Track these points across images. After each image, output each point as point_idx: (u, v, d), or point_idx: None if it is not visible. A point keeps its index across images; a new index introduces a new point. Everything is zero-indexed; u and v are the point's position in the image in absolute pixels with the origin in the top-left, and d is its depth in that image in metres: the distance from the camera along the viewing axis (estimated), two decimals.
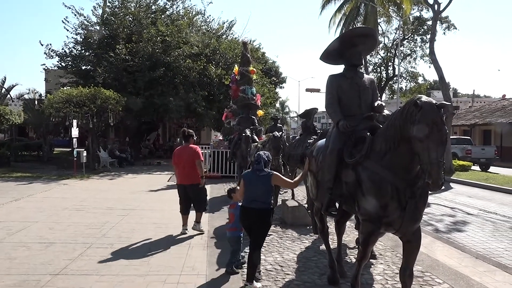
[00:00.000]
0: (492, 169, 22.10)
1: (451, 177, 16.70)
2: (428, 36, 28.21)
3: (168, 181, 14.73)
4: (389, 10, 32.31)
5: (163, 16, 24.43)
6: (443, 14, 28.39)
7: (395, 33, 35.84)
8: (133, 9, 23.43)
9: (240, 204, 5.00)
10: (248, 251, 4.81)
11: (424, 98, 3.54)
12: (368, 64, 36.34)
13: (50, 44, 22.60)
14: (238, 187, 5.30)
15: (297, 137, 11.97)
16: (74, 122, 15.97)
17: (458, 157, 21.46)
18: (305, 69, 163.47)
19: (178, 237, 6.89)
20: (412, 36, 37.20)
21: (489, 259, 6.12)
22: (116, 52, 20.45)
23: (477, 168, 21.66)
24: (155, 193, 11.85)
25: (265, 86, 25.59)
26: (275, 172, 4.88)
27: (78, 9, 22.82)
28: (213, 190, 11.90)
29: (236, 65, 17.49)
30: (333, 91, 4.80)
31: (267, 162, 4.81)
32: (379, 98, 4.98)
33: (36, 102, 24.04)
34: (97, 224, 7.66)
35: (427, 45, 29.59)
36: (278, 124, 13.77)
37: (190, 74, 21.41)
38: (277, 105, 55.12)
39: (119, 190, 12.23)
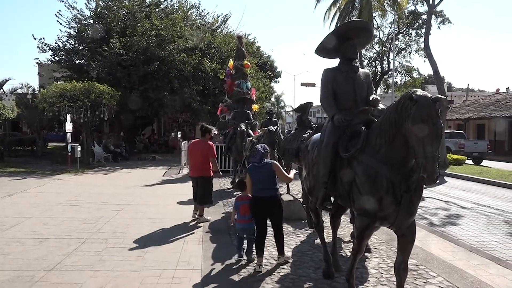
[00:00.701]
0: (484, 162, 22.27)
1: (446, 171, 16.80)
2: (423, 30, 28.22)
3: (163, 175, 14.69)
4: (384, 4, 32.25)
5: (157, 9, 24.24)
6: (438, 8, 28.41)
7: (390, 27, 35.85)
8: (127, 3, 23.23)
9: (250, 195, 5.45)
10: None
11: (419, 92, 3.53)
12: (363, 58, 36.31)
13: (43, 38, 22.44)
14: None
15: (292, 132, 11.96)
16: (68, 116, 15.86)
17: (451, 151, 21.59)
18: (300, 63, 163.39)
19: (173, 232, 6.88)
20: (407, 30, 37.13)
21: (483, 252, 6.16)
22: (110, 46, 20.27)
23: (470, 162, 21.80)
24: (150, 188, 11.82)
25: (260, 80, 25.53)
26: (275, 162, 5.33)
27: (71, 3, 22.63)
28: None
29: (231, 59, 17.41)
30: (328, 85, 4.78)
31: (264, 154, 5.25)
32: (374, 92, 4.97)
33: (30, 97, 23.80)
34: (91, 219, 7.63)
35: (422, 39, 29.61)
36: (273, 119, 13.73)
37: (185, 68, 21.29)
38: (272, 99, 55.16)
39: (114, 185, 12.18)
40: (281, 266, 5.24)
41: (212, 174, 7.70)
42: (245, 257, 5.46)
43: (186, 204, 9.36)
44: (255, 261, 5.19)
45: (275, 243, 5.45)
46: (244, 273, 5.00)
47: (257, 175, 5.19)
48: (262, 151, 5.25)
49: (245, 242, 5.55)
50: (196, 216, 7.71)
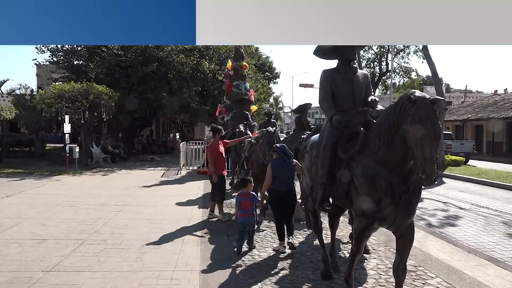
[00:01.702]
0: (470, 162, 22.73)
1: (444, 172, 16.82)
2: None
3: (161, 176, 14.67)
4: None
5: None
6: None
7: None
8: None
9: (251, 192, 6.10)
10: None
11: (418, 93, 3.53)
12: (361, 59, 36.33)
13: None
14: (251, 178, 6.51)
15: (291, 133, 11.96)
16: (67, 117, 15.84)
17: None
18: (298, 64, 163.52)
19: (172, 233, 6.86)
20: None
21: (481, 253, 6.18)
22: (108, 47, 20.24)
23: None
24: (149, 189, 11.80)
25: (259, 81, 25.52)
26: (297, 162, 5.89)
27: None
28: (207, 186, 11.85)
29: (229, 60, 17.39)
30: (326, 86, 4.79)
31: (291, 153, 5.95)
32: (372, 93, 4.97)
33: (29, 97, 23.76)
34: (90, 220, 7.62)
35: None
36: (272, 120, 13.74)
37: (183, 69, 21.27)
38: (271, 100, 55.10)
39: (112, 186, 12.16)
40: (279, 267, 5.24)
41: (224, 173, 8.01)
42: (246, 248, 5.81)
43: (185, 205, 9.36)
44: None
45: (286, 230, 5.93)
46: (242, 274, 4.99)
47: (282, 171, 5.72)
48: (290, 150, 5.99)
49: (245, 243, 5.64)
50: (228, 218, 7.87)
